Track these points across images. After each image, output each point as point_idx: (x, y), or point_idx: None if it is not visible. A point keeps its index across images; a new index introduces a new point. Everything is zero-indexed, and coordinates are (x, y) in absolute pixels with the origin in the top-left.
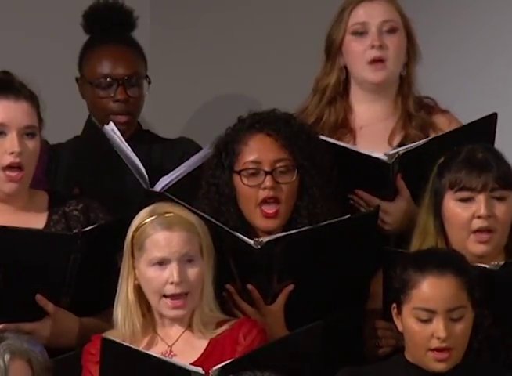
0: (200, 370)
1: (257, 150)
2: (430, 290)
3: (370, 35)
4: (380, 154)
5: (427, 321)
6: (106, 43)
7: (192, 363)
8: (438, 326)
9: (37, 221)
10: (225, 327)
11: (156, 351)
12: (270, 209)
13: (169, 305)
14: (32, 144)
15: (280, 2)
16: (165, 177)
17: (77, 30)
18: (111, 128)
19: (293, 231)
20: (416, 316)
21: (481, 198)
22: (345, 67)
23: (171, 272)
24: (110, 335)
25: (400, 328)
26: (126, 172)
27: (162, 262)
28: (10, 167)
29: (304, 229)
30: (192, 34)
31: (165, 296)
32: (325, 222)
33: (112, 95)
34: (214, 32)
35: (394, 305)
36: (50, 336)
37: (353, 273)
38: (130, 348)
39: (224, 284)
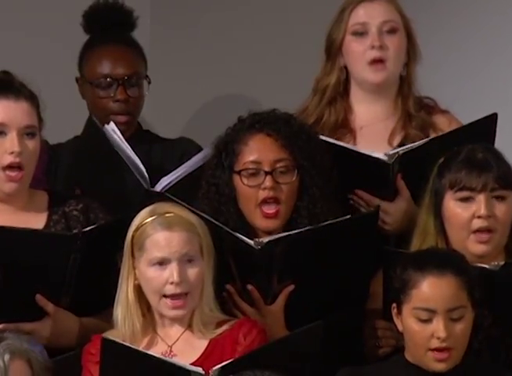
0: (200, 370)
1: (257, 150)
2: (430, 290)
3: (370, 35)
4: (380, 154)
5: (427, 321)
6: (106, 43)
7: (192, 363)
8: (438, 326)
9: (37, 221)
10: (225, 327)
11: (156, 351)
12: (270, 209)
13: (169, 305)
14: (32, 144)
15: (280, 2)
16: (165, 177)
17: (77, 30)
18: (111, 128)
19: (294, 231)
20: (416, 316)
21: (481, 198)
22: (345, 67)
23: (171, 272)
24: (110, 335)
25: (400, 328)
26: (126, 172)
27: (162, 262)
28: (10, 167)
29: (304, 229)
30: (192, 34)
31: (165, 296)
32: (325, 223)
33: (112, 95)
34: (214, 32)
35: (394, 305)
36: (50, 336)
37: (353, 273)
38: (130, 348)
39: (224, 284)
